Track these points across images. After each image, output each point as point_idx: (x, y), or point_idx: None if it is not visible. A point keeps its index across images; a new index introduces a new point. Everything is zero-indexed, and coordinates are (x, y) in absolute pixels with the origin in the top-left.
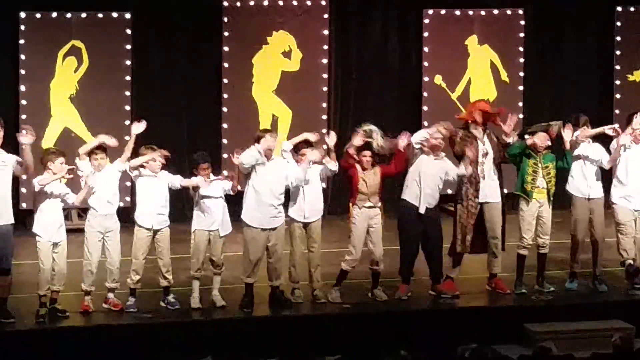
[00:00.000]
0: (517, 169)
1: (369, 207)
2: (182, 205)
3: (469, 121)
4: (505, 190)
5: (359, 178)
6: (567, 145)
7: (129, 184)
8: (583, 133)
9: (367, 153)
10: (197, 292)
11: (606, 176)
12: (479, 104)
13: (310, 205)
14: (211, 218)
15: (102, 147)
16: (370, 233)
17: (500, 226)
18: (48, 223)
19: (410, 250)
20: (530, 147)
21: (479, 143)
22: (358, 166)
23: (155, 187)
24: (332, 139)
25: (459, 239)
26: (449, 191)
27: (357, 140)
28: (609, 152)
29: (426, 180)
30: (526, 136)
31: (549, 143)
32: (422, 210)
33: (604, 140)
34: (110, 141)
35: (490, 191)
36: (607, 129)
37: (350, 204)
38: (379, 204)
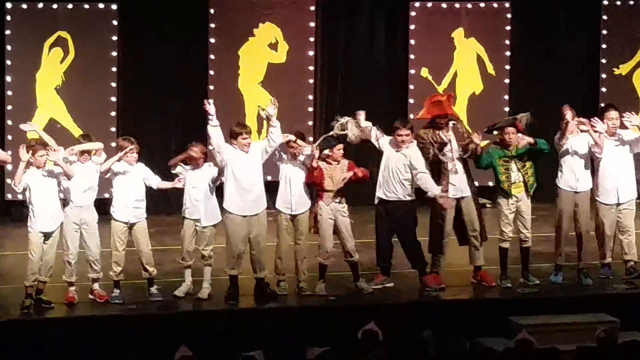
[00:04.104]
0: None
1: (337, 202)
2: (168, 195)
3: (430, 119)
4: (477, 183)
5: (325, 177)
6: (532, 141)
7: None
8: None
9: (340, 146)
10: (188, 279)
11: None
12: (431, 98)
13: (297, 198)
14: (194, 208)
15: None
16: (338, 225)
17: (477, 219)
18: (39, 214)
19: (380, 242)
20: (501, 144)
21: (446, 138)
22: (323, 164)
23: (131, 180)
24: (288, 136)
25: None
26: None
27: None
28: None
29: (389, 171)
30: (494, 132)
31: (520, 135)
32: (378, 194)
33: None
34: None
35: (463, 185)
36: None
37: (318, 200)
38: (344, 199)
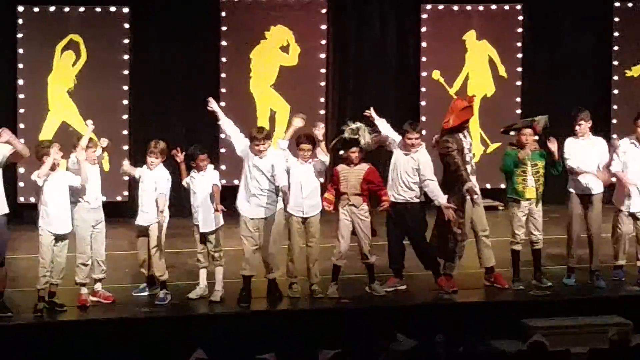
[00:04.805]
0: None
1: (352, 205)
2: (180, 198)
3: (458, 125)
4: (489, 185)
5: (341, 179)
6: (556, 156)
7: (126, 178)
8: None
9: (355, 149)
10: (203, 282)
11: None
12: (458, 104)
13: (308, 201)
14: (196, 213)
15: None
16: (356, 227)
17: (485, 218)
18: (50, 214)
19: (392, 243)
20: (517, 145)
21: (463, 139)
22: (342, 166)
23: (145, 183)
24: (320, 130)
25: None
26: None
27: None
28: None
29: (398, 173)
30: (511, 133)
31: (536, 138)
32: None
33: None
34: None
35: (477, 188)
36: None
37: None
38: (363, 203)
